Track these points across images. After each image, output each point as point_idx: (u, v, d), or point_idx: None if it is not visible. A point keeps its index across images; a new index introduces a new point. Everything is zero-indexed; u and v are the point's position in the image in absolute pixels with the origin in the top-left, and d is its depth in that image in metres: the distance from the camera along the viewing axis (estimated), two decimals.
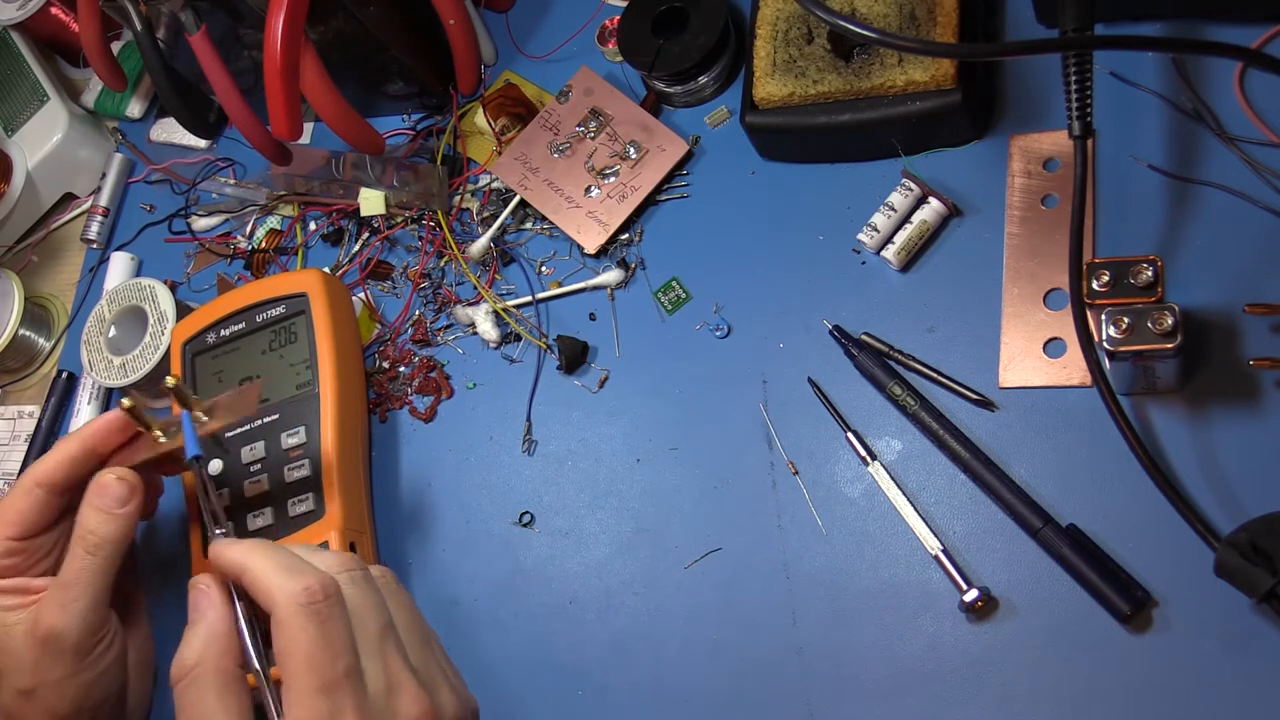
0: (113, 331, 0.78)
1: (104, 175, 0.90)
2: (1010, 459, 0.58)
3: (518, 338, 0.71)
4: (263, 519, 0.67)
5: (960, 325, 0.61)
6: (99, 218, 0.88)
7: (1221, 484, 0.53)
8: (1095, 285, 0.52)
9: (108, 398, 0.82)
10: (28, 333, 0.87)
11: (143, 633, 0.64)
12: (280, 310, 0.71)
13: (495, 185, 0.75)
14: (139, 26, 0.73)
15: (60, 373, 0.84)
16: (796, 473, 0.62)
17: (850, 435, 0.61)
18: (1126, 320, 0.51)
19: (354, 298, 0.76)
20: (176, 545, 0.73)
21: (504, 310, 0.72)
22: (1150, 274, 0.51)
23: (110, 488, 0.59)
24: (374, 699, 0.45)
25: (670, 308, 0.68)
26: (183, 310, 0.77)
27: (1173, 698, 0.51)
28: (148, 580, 0.70)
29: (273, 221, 0.82)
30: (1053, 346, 0.58)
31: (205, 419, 0.60)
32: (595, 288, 0.70)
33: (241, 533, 0.67)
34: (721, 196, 0.69)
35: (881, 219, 0.63)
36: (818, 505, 0.61)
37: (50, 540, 0.61)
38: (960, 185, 0.63)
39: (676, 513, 0.64)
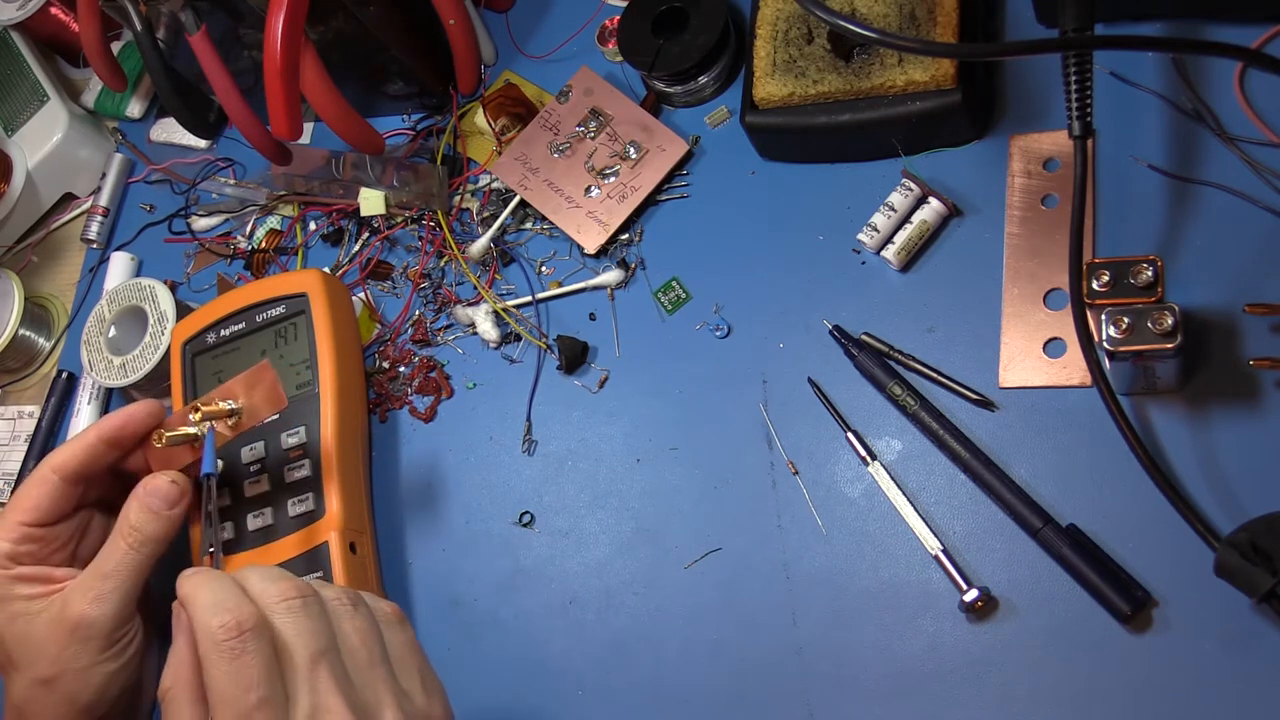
0: (113, 331, 0.78)
1: (104, 175, 0.90)
2: (1010, 459, 0.58)
3: (518, 338, 0.71)
4: (262, 519, 0.67)
5: (960, 325, 0.61)
6: (99, 218, 0.88)
7: (1221, 484, 0.53)
8: (1095, 285, 0.52)
9: (108, 398, 0.82)
10: (28, 333, 0.87)
11: (152, 639, 0.65)
12: (280, 310, 0.71)
13: (495, 185, 0.75)
14: (139, 26, 0.73)
15: (60, 373, 0.84)
16: (796, 473, 0.62)
17: (850, 435, 0.61)
18: (1126, 320, 0.51)
19: (354, 298, 0.76)
20: (178, 544, 0.72)
21: (504, 310, 0.72)
22: (1150, 274, 0.51)
23: (162, 489, 0.60)
24: None
25: (670, 308, 0.68)
26: (183, 310, 0.77)
27: (1173, 698, 0.51)
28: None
29: (273, 221, 0.82)
30: (1053, 346, 0.58)
31: (240, 419, 0.61)
32: (595, 288, 0.70)
33: (241, 533, 0.67)
34: (721, 196, 0.69)
35: (881, 219, 0.63)
36: (818, 505, 0.61)
37: (68, 530, 0.62)
38: (960, 185, 0.63)
39: (676, 513, 0.64)
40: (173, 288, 0.80)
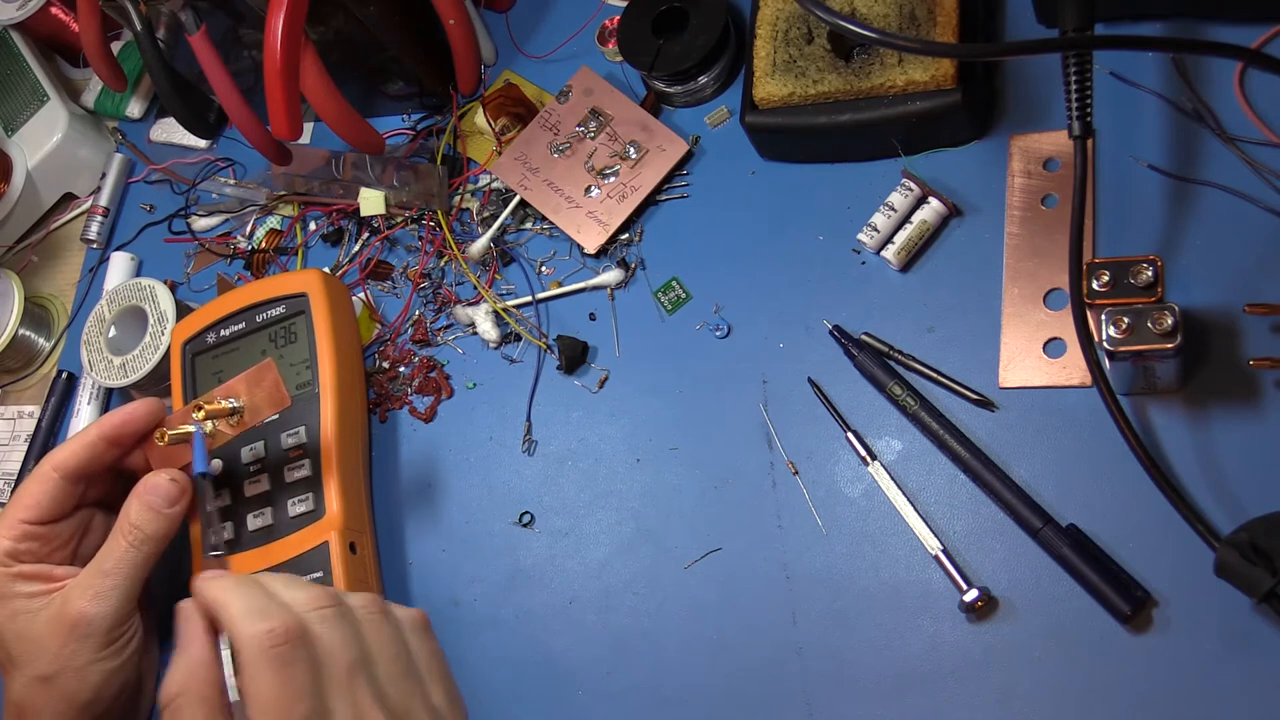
0: (113, 331, 0.78)
1: (104, 175, 0.90)
2: (1010, 459, 0.57)
3: (518, 338, 0.71)
4: (262, 519, 0.67)
5: (960, 325, 0.61)
6: (99, 218, 0.88)
7: (1221, 484, 0.53)
8: (1095, 285, 0.52)
9: (108, 398, 0.82)
10: (28, 333, 0.87)
11: (151, 638, 0.65)
12: (280, 310, 0.71)
13: (495, 185, 0.75)
14: (139, 26, 0.73)
15: (60, 373, 0.84)
16: (796, 473, 0.62)
17: (850, 435, 0.61)
18: (1126, 320, 0.51)
19: (354, 298, 0.76)
20: (176, 543, 0.72)
21: (504, 310, 0.72)
22: (1150, 274, 0.51)
23: (162, 487, 0.61)
24: None
25: (670, 308, 0.68)
26: (183, 310, 0.77)
27: (1173, 698, 0.51)
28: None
29: (273, 221, 0.82)
30: (1053, 346, 0.58)
31: (242, 417, 0.61)
32: (595, 288, 0.70)
33: (241, 533, 0.67)
34: (721, 196, 0.69)
35: (881, 219, 0.63)
36: (818, 505, 0.61)
37: (68, 529, 0.63)
38: (960, 185, 0.63)
39: (676, 513, 0.64)
40: (173, 288, 0.80)
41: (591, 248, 0.70)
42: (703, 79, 0.70)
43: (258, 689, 0.45)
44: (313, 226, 0.81)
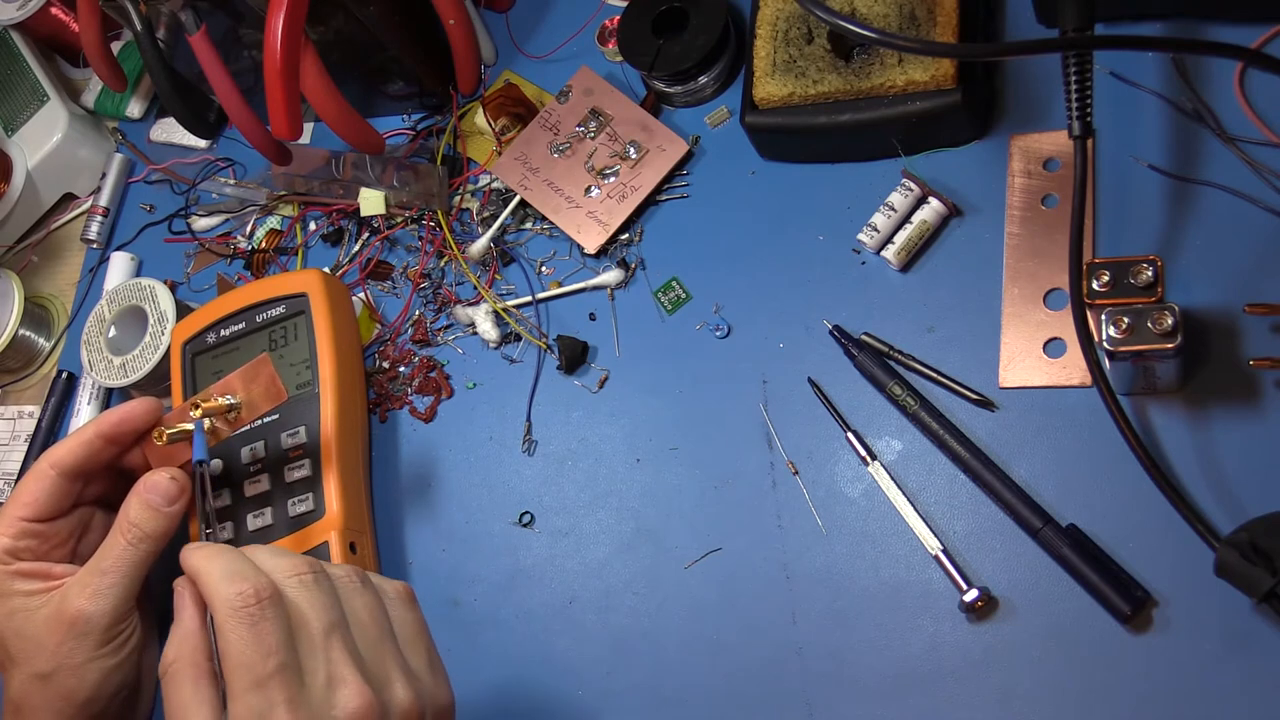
0: (113, 331, 0.78)
1: (104, 175, 0.90)
2: (1010, 459, 0.58)
3: (518, 338, 0.71)
4: (262, 519, 0.67)
5: (960, 325, 0.61)
6: (99, 218, 0.88)
7: (1221, 484, 0.53)
8: (1095, 285, 0.52)
9: (108, 398, 0.82)
10: (28, 333, 0.87)
11: (150, 636, 0.65)
12: (280, 310, 0.71)
13: (495, 185, 0.75)
14: (139, 26, 0.73)
15: (60, 373, 0.84)
16: (796, 473, 0.62)
17: (850, 435, 0.61)
18: (1126, 320, 0.51)
19: (354, 298, 0.76)
20: (176, 541, 0.72)
21: (504, 310, 0.72)
22: (1150, 274, 0.51)
23: (161, 485, 0.61)
24: (312, 693, 0.46)
25: (670, 308, 0.68)
26: (183, 310, 0.77)
27: (1173, 698, 0.51)
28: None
29: (273, 221, 0.82)
30: (1053, 346, 0.58)
31: (239, 413, 0.61)
32: (595, 288, 0.70)
33: (241, 532, 0.67)
34: (721, 196, 0.69)
35: (881, 219, 0.63)
36: (818, 505, 0.61)
37: (66, 527, 0.63)
38: (960, 185, 0.63)
39: (676, 513, 0.64)
40: (173, 288, 0.80)
41: (591, 248, 0.70)
42: (703, 79, 0.70)
43: (227, 646, 0.46)
44: (313, 226, 0.81)
